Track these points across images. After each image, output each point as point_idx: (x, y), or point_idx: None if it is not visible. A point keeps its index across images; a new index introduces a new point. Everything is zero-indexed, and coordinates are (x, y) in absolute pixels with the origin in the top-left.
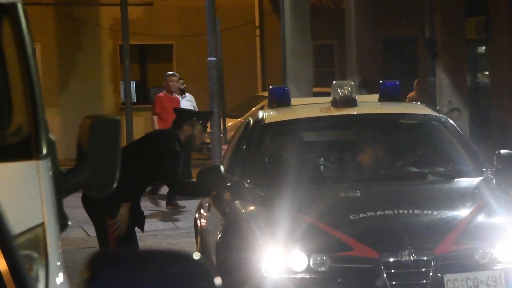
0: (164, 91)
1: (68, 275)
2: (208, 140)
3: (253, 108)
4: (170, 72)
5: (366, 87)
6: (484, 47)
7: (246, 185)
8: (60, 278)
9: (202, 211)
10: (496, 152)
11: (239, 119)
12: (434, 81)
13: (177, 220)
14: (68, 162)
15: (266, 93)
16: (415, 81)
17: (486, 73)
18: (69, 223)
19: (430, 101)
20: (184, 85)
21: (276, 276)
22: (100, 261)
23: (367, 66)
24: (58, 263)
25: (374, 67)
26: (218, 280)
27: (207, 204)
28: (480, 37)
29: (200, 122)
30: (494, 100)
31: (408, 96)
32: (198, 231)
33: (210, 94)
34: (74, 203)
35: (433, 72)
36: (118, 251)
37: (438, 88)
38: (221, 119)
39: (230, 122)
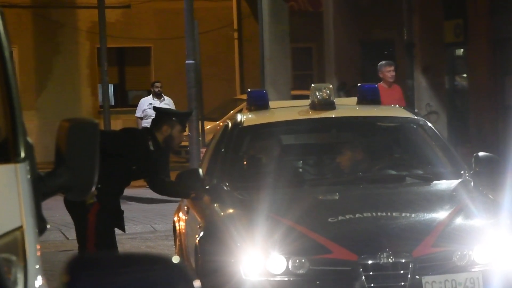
0: (381, 82)
1: (47, 278)
2: (186, 143)
3: (231, 111)
4: (385, 62)
5: (345, 90)
6: (462, 50)
7: (225, 188)
8: (38, 281)
9: (181, 214)
10: (474, 154)
11: (218, 122)
12: (413, 84)
13: (155, 223)
14: (46, 165)
15: (244, 96)
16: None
17: (464, 75)
18: (48, 226)
19: (406, 104)
20: (159, 89)
21: (255, 278)
22: (79, 265)
23: (345, 69)
24: (37, 266)
25: (353, 70)
26: (197, 284)
27: (185, 207)
28: (458, 40)
29: (179, 122)
30: (472, 102)
31: None
32: (177, 234)
33: (188, 97)
34: (52, 206)
35: (411, 75)
36: (96, 255)
37: (416, 91)
38: (199, 122)
39: (208, 125)
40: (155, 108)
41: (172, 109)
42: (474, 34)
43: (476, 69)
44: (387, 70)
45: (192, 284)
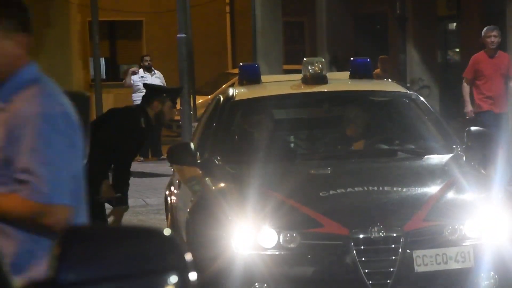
0: (483, 50)
1: None
2: (178, 117)
3: (223, 85)
4: (488, 26)
5: (337, 64)
6: (455, 24)
7: (216, 162)
8: None
9: (172, 188)
10: (467, 129)
11: (209, 96)
12: (405, 58)
13: (147, 196)
14: None
15: (236, 70)
16: (379, 58)
17: (457, 49)
18: None
19: (394, 77)
20: (148, 62)
21: (246, 252)
22: (71, 237)
23: (337, 43)
24: None
25: (345, 44)
26: (188, 256)
27: (177, 181)
28: (451, 14)
29: (170, 98)
30: None
31: (374, 72)
32: (169, 208)
33: (180, 71)
34: None
35: (403, 49)
36: (88, 228)
37: (408, 65)
38: (191, 96)
39: (200, 99)
40: (145, 85)
41: (162, 86)
42: (467, 8)
43: (469, 43)
44: (487, 36)
45: (184, 257)
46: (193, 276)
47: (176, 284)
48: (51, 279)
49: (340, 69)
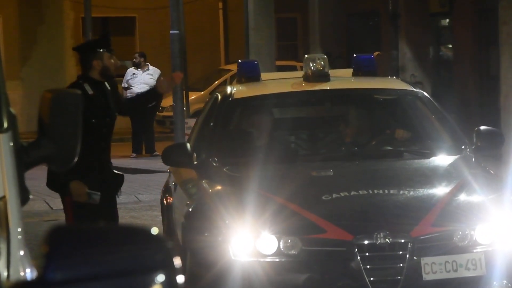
0: None
1: (31, 248)
2: (170, 113)
3: (216, 82)
4: None
5: (329, 60)
6: (447, 20)
7: (214, 164)
8: (21, 252)
9: (168, 191)
10: (476, 128)
11: (202, 93)
12: (397, 54)
13: (140, 193)
14: (30, 135)
15: (229, 67)
16: (375, 55)
17: (450, 46)
18: (31, 197)
19: (389, 74)
20: (135, 60)
21: (245, 259)
22: (59, 237)
23: (330, 39)
24: (20, 237)
25: (338, 40)
26: (176, 261)
27: (173, 183)
28: (443, 10)
29: (105, 49)
30: (457, 73)
31: None
32: (165, 212)
33: (173, 67)
34: (37, 176)
35: (396, 46)
36: (75, 227)
37: (401, 61)
38: (184, 92)
39: (192, 96)
40: (73, 49)
41: (88, 41)
42: (459, 4)
43: (461, 39)
44: None
45: (171, 256)
46: (180, 278)
47: (163, 283)
48: (39, 278)
49: (332, 65)
